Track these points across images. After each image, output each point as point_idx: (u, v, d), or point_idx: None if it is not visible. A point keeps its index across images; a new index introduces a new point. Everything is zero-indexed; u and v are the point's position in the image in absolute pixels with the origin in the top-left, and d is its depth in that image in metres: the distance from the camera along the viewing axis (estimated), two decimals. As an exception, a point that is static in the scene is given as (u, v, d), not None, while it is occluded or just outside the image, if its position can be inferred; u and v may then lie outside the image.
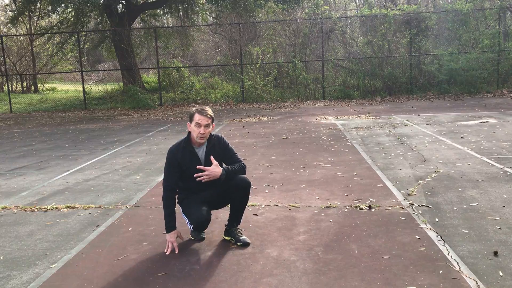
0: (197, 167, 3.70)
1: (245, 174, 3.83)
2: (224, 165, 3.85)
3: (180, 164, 3.77)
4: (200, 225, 3.78)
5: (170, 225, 3.73)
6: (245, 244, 3.77)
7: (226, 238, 3.90)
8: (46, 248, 3.96)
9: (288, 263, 3.43)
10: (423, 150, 7.20)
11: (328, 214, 4.46)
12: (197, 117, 3.70)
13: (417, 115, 11.53)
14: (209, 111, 3.73)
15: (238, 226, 3.96)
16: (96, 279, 3.31)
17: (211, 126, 3.75)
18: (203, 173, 3.66)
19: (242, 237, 3.83)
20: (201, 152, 3.81)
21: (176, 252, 3.69)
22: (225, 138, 3.93)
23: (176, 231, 3.76)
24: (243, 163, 3.87)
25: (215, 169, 3.66)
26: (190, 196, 3.86)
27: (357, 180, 5.63)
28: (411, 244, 3.65)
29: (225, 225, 3.97)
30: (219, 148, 3.85)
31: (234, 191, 3.78)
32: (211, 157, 3.72)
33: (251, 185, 3.87)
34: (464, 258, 3.37)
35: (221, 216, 4.49)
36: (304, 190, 5.31)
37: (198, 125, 3.68)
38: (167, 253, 3.69)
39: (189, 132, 3.80)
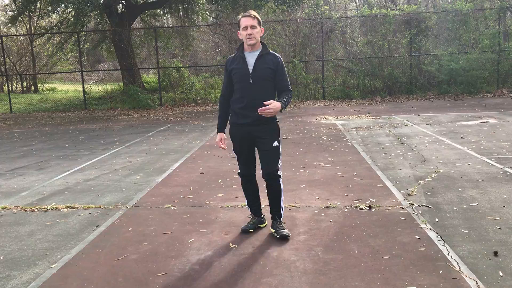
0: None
1: (290, 100, 3.98)
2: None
3: (230, 71, 3.94)
4: (242, 175, 4.12)
5: (218, 127, 4.07)
6: (283, 237, 3.86)
7: (271, 230, 4.02)
8: (46, 248, 3.96)
9: (288, 263, 3.43)
10: (423, 150, 7.20)
11: (328, 214, 4.47)
12: (242, 21, 3.84)
13: (417, 115, 11.52)
14: (253, 12, 3.86)
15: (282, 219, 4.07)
16: (96, 279, 3.31)
17: (258, 27, 3.84)
18: (267, 106, 3.72)
19: (281, 230, 3.93)
20: (250, 57, 3.90)
21: (225, 148, 3.99)
22: (281, 58, 3.96)
23: (221, 134, 4.02)
24: (290, 90, 3.97)
25: (275, 103, 3.76)
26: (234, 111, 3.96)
27: (357, 180, 5.63)
28: (411, 244, 3.65)
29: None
30: (269, 60, 3.89)
31: (262, 176, 3.97)
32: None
33: (277, 174, 3.91)
34: (464, 258, 3.37)
35: (221, 216, 4.49)
36: (304, 190, 5.31)
37: (245, 28, 3.81)
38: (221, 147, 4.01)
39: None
